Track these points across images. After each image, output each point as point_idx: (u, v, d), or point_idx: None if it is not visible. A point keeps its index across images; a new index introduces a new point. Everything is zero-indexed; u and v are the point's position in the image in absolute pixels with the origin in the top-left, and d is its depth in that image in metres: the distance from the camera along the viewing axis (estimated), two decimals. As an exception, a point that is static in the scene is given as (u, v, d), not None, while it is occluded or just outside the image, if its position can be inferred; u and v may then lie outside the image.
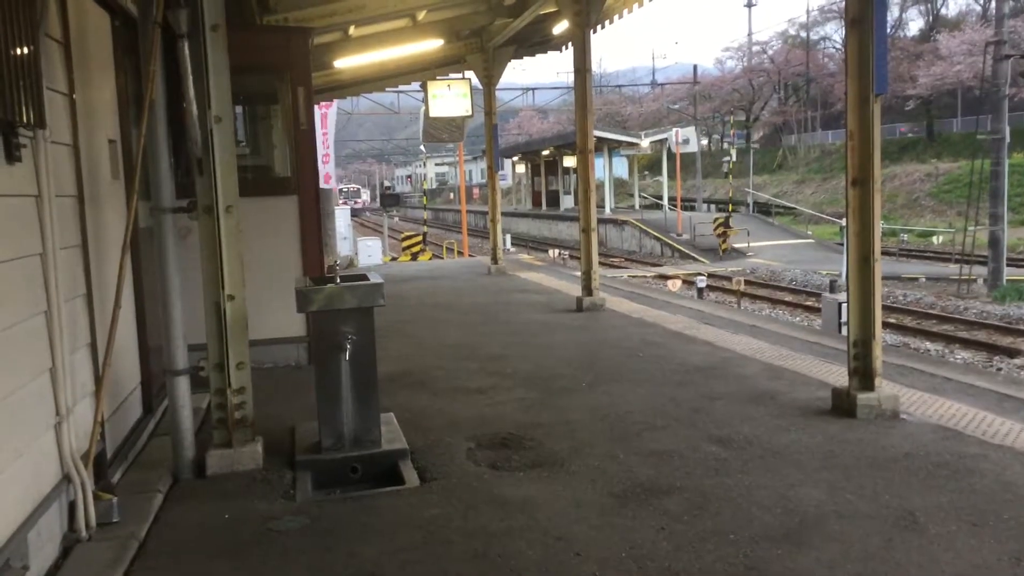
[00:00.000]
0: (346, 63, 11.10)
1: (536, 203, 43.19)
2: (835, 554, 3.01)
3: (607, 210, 33.29)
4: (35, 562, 2.93)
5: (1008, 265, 18.24)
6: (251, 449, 4.10)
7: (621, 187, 45.46)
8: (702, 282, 16.19)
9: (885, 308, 12.79)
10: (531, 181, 44.98)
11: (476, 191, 60.79)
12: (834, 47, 49.88)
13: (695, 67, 44.95)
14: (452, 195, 69.27)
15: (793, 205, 36.16)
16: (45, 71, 3.15)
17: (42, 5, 3.15)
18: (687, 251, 25.03)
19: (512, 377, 5.93)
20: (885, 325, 11.86)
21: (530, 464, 4.09)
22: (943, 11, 49.52)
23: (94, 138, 4.01)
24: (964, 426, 4.42)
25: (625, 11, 9.86)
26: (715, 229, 24.51)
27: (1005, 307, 14.48)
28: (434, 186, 76.32)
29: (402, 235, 26.79)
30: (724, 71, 55.94)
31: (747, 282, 17.34)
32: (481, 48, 12.50)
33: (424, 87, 13.92)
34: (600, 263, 9.95)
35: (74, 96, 3.66)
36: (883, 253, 6.11)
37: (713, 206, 37.68)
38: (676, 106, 50.16)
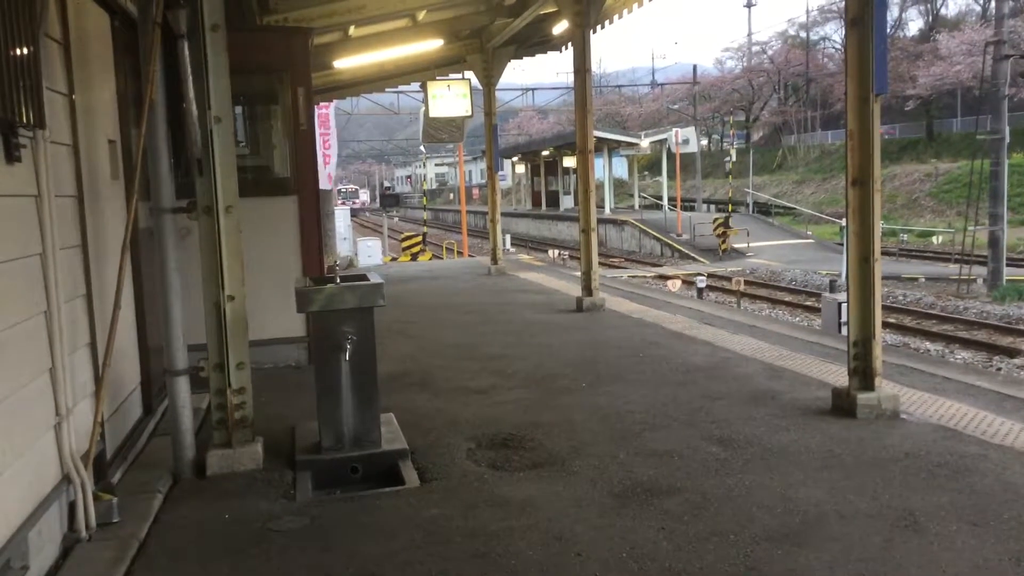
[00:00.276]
0: (346, 63, 11.09)
1: (536, 203, 43.19)
2: (835, 554, 3.01)
3: (607, 210, 33.31)
4: (35, 562, 2.93)
5: (1008, 265, 18.23)
6: (251, 449, 4.10)
7: (621, 187, 45.49)
8: (702, 282, 16.19)
9: (885, 308, 12.79)
10: (531, 181, 44.98)
11: (476, 191, 60.76)
12: (834, 47, 49.96)
13: (695, 67, 44.91)
14: (452, 195, 69.28)
15: (793, 205, 36.18)
16: (45, 71, 3.16)
17: (42, 5, 3.15)
18: (687, 251, 25.03)
19: (512, 377, 5.93)
20: (885, 325, 11.86)
21: (530, 464, 4.09)
22: (943, 11, 49.64)
23: (94, 138, 4.01)
24: (964, 426, 4.42)
25: (625, 11, 9.85)
26: (715, 229, 24.51)
27: (1005, 307, 14.47)
28: (434, 186, 76.30)
29: (402, 235, 26.80)
30: (724, 71, 56.06)
31: (747, 282, 17.33)
32: (481, 48, 12.49)
33: (424, 87, 13.93)
34: (600, 263, 9.95)
35: (74, 96, 3.66)
36: (883, 253, 6.10)
37: (713, 206, 37.68)
38: (676, 106, 50.13)
